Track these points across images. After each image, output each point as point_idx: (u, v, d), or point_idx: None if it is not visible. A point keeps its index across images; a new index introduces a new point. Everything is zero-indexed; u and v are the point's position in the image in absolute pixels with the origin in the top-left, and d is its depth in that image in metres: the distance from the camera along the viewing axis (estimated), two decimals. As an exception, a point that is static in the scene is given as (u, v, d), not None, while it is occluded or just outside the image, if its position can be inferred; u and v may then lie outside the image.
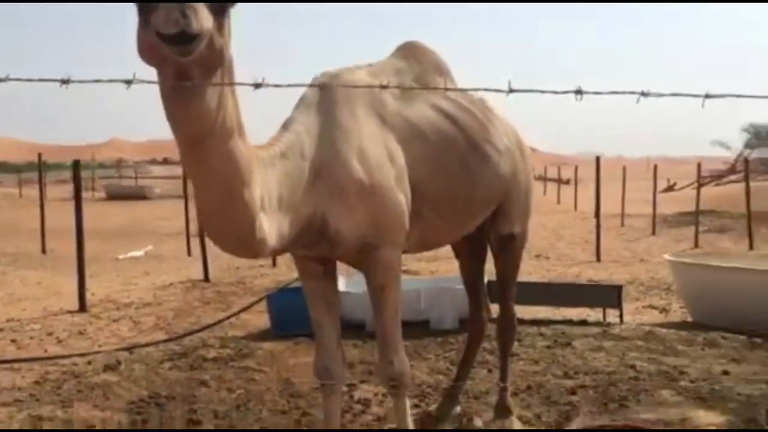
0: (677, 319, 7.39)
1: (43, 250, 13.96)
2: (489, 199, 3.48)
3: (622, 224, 19.93)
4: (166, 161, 77.46)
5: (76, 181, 8.49)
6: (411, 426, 3.25)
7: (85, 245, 8.10)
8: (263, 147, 2.67)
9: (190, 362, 5.38)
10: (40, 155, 15.92)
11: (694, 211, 17.29)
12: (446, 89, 3.18)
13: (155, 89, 2.14)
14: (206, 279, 9.99)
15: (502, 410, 4.02)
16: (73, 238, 7.75)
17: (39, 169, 15.95)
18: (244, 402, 4.52)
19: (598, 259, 12.83)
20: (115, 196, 31.09)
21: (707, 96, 2.02)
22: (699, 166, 17.21)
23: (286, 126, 2.89)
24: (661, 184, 25.68)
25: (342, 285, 7.03)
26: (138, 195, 31.89)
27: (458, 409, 4.22)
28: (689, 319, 7.24)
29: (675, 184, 31.45)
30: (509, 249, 3.83)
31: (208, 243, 10.77)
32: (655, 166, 19.91)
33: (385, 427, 4.07)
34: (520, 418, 4.06)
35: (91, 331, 6.61)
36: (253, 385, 4.86)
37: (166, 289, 9.34)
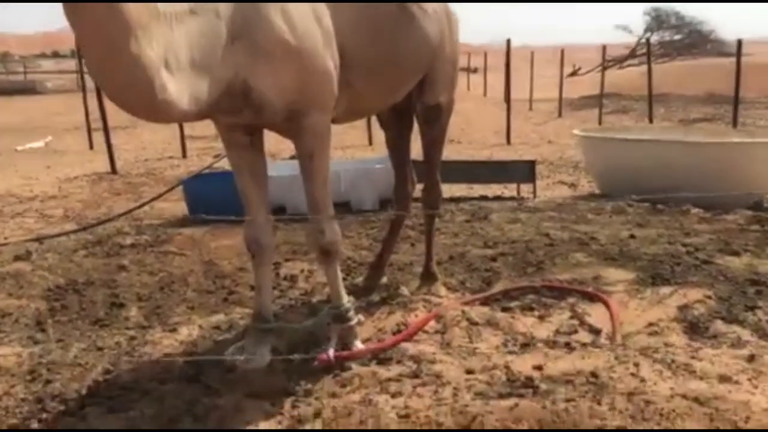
0: (585, 193, 7.73)
1: (-72, 148, 12.97)
2: (417, 64, 3.41)
3: (530, 108, 20.36)
4: (56, 54, 72.37)
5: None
6: (343, 293, 3.28)
7: None
8: (170, 3, 2.46)
9: (106, 250, 5.22)
10: None
11: (598, 94, 17.81)
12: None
13: None
14: (113, 171, 9.60)
15: (429, 277, 4.14)
16: None
17: None
18: (167, 284, 4.45)
19: (509, 141, 13.12)
20: (3, 91, 28.91)
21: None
22: (604, 48, 17.60)
23: None
24: (567, 71, 26.14)
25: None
26: (29, 90, 29.80)
27: (384, 279, 4.32)
28: (597, 191, 7.58)
29: (579, 68, 32.12)
30: (436, 119, 3.80)
31: (113, 134, 10.35)
32: (562, 51, 20.17)
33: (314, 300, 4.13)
34: (444, 285, 4.20)
35: (-6, 225, 6.28)
36: (175, 268, 4.78)
37: (71, 182, 8.94)
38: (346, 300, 3.28)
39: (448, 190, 7.11)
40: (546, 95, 21.79)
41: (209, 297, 4.26)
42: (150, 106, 2.37)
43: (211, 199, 6.26)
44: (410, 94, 3.67)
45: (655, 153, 6.79)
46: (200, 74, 2.49)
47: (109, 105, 10.52)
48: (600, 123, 15.74)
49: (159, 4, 2.33)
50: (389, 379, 2.97)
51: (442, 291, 4.07)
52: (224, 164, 9.74)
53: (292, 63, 2.69)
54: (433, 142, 3.91)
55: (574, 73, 30.87)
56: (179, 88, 2.39)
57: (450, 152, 12.47)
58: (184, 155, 11.58)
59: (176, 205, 6.93)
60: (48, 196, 7.79)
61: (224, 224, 5.91)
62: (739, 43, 11.17)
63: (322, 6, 2.83)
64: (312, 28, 2.76)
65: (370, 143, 12.25)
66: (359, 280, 4.35)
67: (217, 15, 2.56)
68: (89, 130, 13.46)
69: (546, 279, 4.28)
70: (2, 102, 25.15)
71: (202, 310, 4.02)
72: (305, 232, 3.32)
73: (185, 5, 2.49)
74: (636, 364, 2.93)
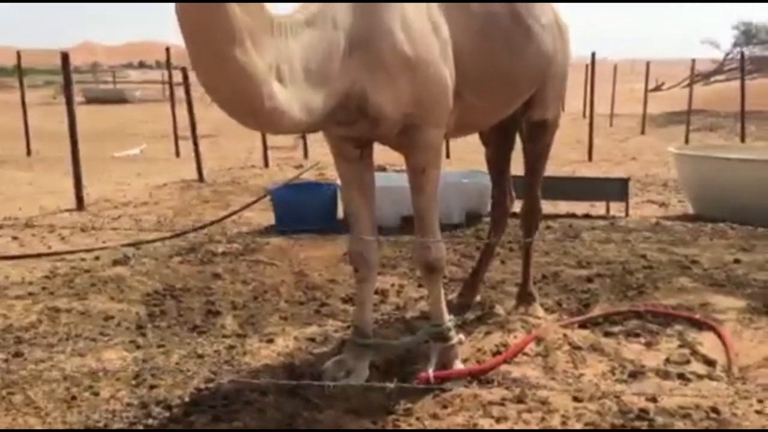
0: (678, 213, 7.44)
1: (28, 152, 13.66)
2: (531, 79, 3.33)
3: (611, 124, 19.85)
4: (142, 65, 75.38)
5: (67, 80, 8.16)
6: (445, 310, 3.22)
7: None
8: (286, 15, 2.47)
9: (199, 257, 5.31)
10: (19, 57, 15.27)
11: (683, 111, 17.21)
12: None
13: None
14: (200, 179, 9.83)
15: (526, 297, 4.03)
16: (56, 141, 7.45)
17: (19, 71, 15.34)
18: (260, 293, 4.48)
19: (590, 158, 12.81)
20: (95, 100, 30.18)
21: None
22: (693, 63, 16.99)
23: None
24: (650, 85, 25.45)
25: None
26: (118, 99, 31.02)
27: (478, 297, 4.23)
28: (690, 212, 7.29)
29: (663, 84, 31.19)
30: (541, 136, 3.71)
31: (201, 143, 10.62)
32: (647, 64, 19.62)
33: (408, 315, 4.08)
34: (540, 305, 4.07)
35: (93, 229, 6.50)
36: (267, 277, 4.81)
37: (161, 189, 9.18)
38: (448, 318, 3.22)
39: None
40: (627, 110, 21.23)
41: (302, 308, 4.27)
42: (258, 116, 2.37)
43: (298, 209, 6.36)
44: (514, 110, 3.59)
45: (755, 173, 6.47)
46: (316, 85, 2.48)
47: (196, 114, 10.84)
48: (687, 140, 15.19)
49: (273, 15, 2.34)
50: (492, 403, 2.88)
51: (540, 312, 3.95)
52: (307, 175, 9.86)
53: (410, 75, 2.66)
54: (537, 159, 3.81)
55: (657, 88, 30.00)
56: (292, 98, 2.38)
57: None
58: (266, 165, 11.77)
59: (262, 214, 7.03)
60: (140, 202, 8.02)
61: (311, 235, 5.98)
62: None
63: (440, 16, 2.79)
64: (430, 40, 2.72)
65: (448, 156, 12.14)
66: (452, 297, 4.28)
67: (335, 26, 2.55)
68: (176, 139, 13.91)
69: (649, 303, 4.10)
70: (95, 110, 26.29)
71: (296, 321, 4.03)
72: (411, 247, 3.28)
73: (301, 16, 2.49)
74: (760, 401, 2.75)
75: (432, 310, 3.24)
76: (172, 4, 2.13)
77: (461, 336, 3.30)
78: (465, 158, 10.95)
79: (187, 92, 10.46)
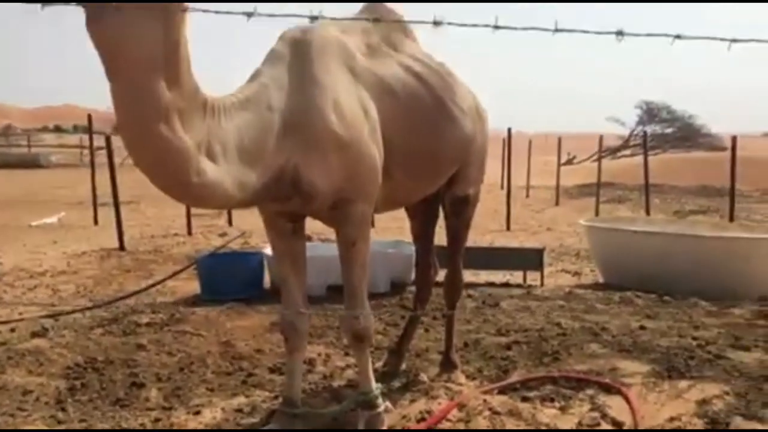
0: (590, 282, 7.83)
1: (-66, 220, 13.06)
2: (454, 158, 3.58)
3: (527, 195, 20.69)
4: (58, 129, 73.49)
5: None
6: (372, 378, 3.33)
7: None
8: (220, 97, 2.63)
9: (122, 328, 5.24)
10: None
11: (593, 183, 18.16)
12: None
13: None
14: (121, 248, 9.66)
15: (448, 364, 4.18)
16: None
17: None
18: (186, 365, 4.47)
19: (508, 227, 13.30)
20: (7, 164, 29.22)
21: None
22: (600, 139, 18.12)
23: (252, 78, 2.88)
24: (562, 158, 26.73)
25: (269, 249, 7.04)
26: (32, 163, 30.12)
27: (404, 365, 4.36)
28: (601, 280, 7.69)
29: (574, 157, 32.82)
30: (463, 211, 3.95)
31: (121, 210, 10.47)
32: (559, 139, 20.69)
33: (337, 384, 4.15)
34: (462, 372, 4.23)
35: (8, 299, 6.30)
36: (193, 348, 4.80)
37: (80, 257, 8.98)
38: (375, 386, 3.33)
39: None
40: (542, 182, 22.19)
41: (228, 379, 4.28)
42: (184, 190, 2.50)
43: (224, 278, 6.38)
44: (438, 186, 3.82)
45: (662, 245, 6.94)
46: (250, 163, 2.63)
47: (118, 180, 10.71)
48: (597, 212, 15.99)
49: (207, 97, 2.50)
50: (417, 469, 2.98)
51: (462, 379, 4.11)
52: (232, 244, 9.78)
53: (342, 153, 2.84)
54: (459, 232, 4.04)
55: (569, 162, 31.53)
56: (225, 175, 2.52)
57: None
58: (189, 233, 11.67)
59: (187, 284, 6.99)
60: (58, 272, 7.83)
61: (238, 304, 6.00)
62: (734, 139, 11.60)
63: (369, 100, 3.01)
64: (360, 120, 2.93)
65: (373, 226, 12.39)
66: (378, 365, 4.39)
67: (269, 108, 2.73)
68: (95, 206, 13.62)
69: (563, 369, 4.33)
70: (5, 175, 25.40)
71: (223, 392, 4.03)
72: (340, 318, 3.39)
73: (235, 98, 2.67)
74: (664, 459, 2.95)
75: (360, 379, 3.35)
76: (93, 71, 2.26)
77: (388, 403, 3.41)
78: (389, 227, 11.22)
79: (110, 158, 10.37)
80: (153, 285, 6.64)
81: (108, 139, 10.61)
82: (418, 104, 3.27)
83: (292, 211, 3.03)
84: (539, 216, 16.17)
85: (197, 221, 12.29)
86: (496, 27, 2.07)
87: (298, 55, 2.90)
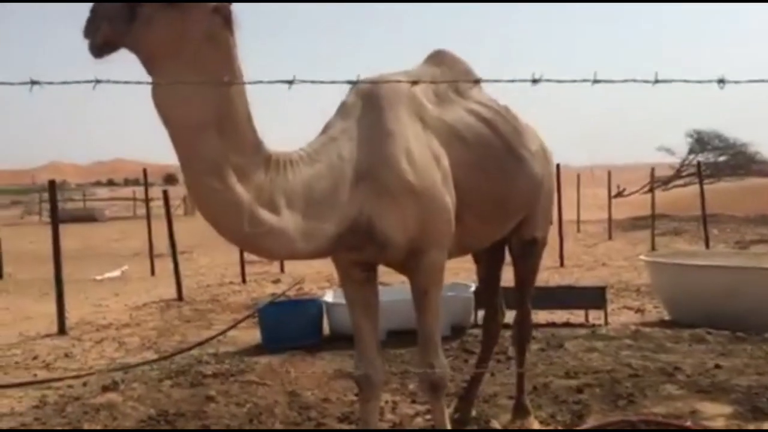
0: (654, 319, 7.61)
1: (0, 275, 13.51)
2: (523, 203, 3.56)
3: (578, 230, 20.39)
4: (111, 182, 75.87)
5: (53, 201, 8.32)
6: (449, 426, 3.28)
7: (47, 268, 7.84)
8: (286, 153, 2.69)
9: (189, 379, 5.28)
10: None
11: (646, 216, 17.84)
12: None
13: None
14: (180, 298, 9.81)
15: (521, 411, 4.09)
16: (27, 262, 7.42)
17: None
18: (255, 415, 4.47)
19: (562, 264, 13.10)
20: (64, 219, 30.10)
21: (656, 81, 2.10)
22: (653, 171, 17.81)
23: (323, 131, 2.93)
24: (612, 191, 26.36)
25: (330, 297, 7.06)
26: (88, 217, 31.01)
27: (474, 412, 4.28)
28: (666, 317, 7.47)
29: (624, 189, 32.32)
30: (531, 254, 3.91)
31: (171, 261, 10.64)
32: (609, 173, 20.43)
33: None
34: (535, 418, 4.14)
35: (77, 354, 6.43)
36: (260, 398, 4.81)
37: (141, 309, 9.14)
38: (450, 436, 3.27)
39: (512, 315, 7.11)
40: (592, 216, 21.86)
41: (298, 429, 4.26)
42: (241, 239, 2.60)
43: (285, 327, 6.41)
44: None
45: (730, 279, 6.71)
46: (321, 213, 2.66)
47: (176, 231, 10.93)
48: (653, 245, 15.65)
49: (271, 153, 2.58)
50: None
51: (536, 425, 4.01)
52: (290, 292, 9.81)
53: (415, 202, 2.85)
54: (527, 275, 3.99)
55: (619, 194, 31.07)
56: (287, 226, 2.57)
57: (505, 274, 12.54)
58: (244, 281, 11.80)
59: (246, 332, 7.04)
60: (122, 324, 7.97)
61: (299, 352, 6.01)
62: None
63: (440, 147, 3.03)
64: (432, 169, 2.94)
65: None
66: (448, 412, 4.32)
67: (340, 158, 2.77)
68: (151, 257, 13.92)
69: (641, 413, 4.19)
70: (63, 229, 26.14)
71: (293, 444, 4.02)
72: (414, 366, 3.37)
73: (303, 152, 2.73)
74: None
75: (437, 427, 3.30)
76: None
77: (465, 453, 3.34)
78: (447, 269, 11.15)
79: (167, 210, 10.61)
80: (216, 336, 6.71)
81: (165, 192, 10.88)
82: (488, 150, 3.26)
83: (365, 260, 3.03)
84: (592, 251, 15.90)
85: (250, 268, 12.41)
86: (534, 81, 2.09)
87: (368, 107, 2.94)
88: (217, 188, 2.41)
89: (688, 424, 3.91)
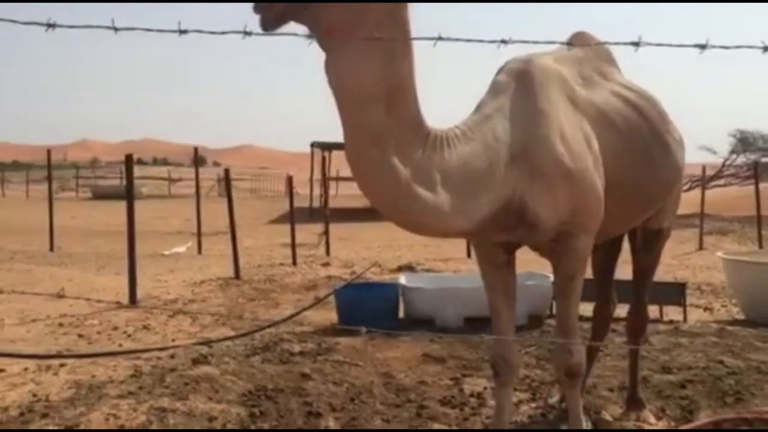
0: (726, 317, 7.48)
1: (51, 248, 13.67)
2: (665, 191, 3.47)
3: (621, 227, 20.15)
4: (140, 161, 76.47)
5: (129, 177, 8.37)
6: (582, 417, 3.22)
7: (95, 243, 7.89)
8: (446, 129, 2.64)
9: (278, 356, 5.27)
10: (49, 153, 15.53)
11: (689, 214, 17.54)
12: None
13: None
14: (237, 277, 9.84)
15: (636, 403, 4.02)
16: (70, 236, 7.36)
17: (48, 168, 15.51)
18: (355, 395, 4.44)
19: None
20: (102, 195, 30.45)
21: None
22: (704, 169, 17.52)
23: (476, 109, 2.87)
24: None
25: (405, 280, 7.02)
26: (124, 195, 31.25)
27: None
28: (738, 316, 7.33)
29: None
30: (655, 245, 3.83)
31: (215, 240, 10.69)
32: (654, 170, 20.13)
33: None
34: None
35: (155, 326, 6.46)
36: (355, 378, 4.78)
37: (200, 286, 9.18)
38: (584, 424, 3.21)
39: (585, 308, 7.01)
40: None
41: (400, 411, 4.22)
42: (397, 214, 2.55)
43: (361, 309, 6.37)
44: None
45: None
46: (475, 192, 2.61)
47: (206, 210, 10.95)
48: (701, 244, 15.43)
49: (431, 129, 2.53)
50: None
51: (652, 419, 3.94)
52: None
53: (569, 185, 2.78)
54: (648, 267, 3.92)
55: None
56: (441, 203, 2.51)
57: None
58: (294, 263, 11.82)
59: (317, 313, 7.02)
60: (187, 300, 8.01)
61: (377, 335, 5.96)
62: None
63: (590, 129, 2.95)
64: (585, 151, 2.87)
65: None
66: (552, 400, 4.27)
67: (495, 138, 2.71)
68: (199, 236, 14.03)
69: (754, 411, 4.09)
70: (104, 206, 26.48)
71: (399, 424, 3.99)
72: (551, 352, 3.30)
73: (458, 130, 2.66)
74: None
75: (571, 416, 3.24)
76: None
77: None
78: (519, 259, 11.05)
79: (228, 190, 10.63)
80: (297, 313, 6.73)
81: (227, 172, 10.90)
82: (636, 135, 3.18)
83: (510, 241, 2.98)
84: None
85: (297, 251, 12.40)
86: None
87: (520, 87, 2.88)
88: (377, 159, 2.38)
89: (813, 423, 3.82)
